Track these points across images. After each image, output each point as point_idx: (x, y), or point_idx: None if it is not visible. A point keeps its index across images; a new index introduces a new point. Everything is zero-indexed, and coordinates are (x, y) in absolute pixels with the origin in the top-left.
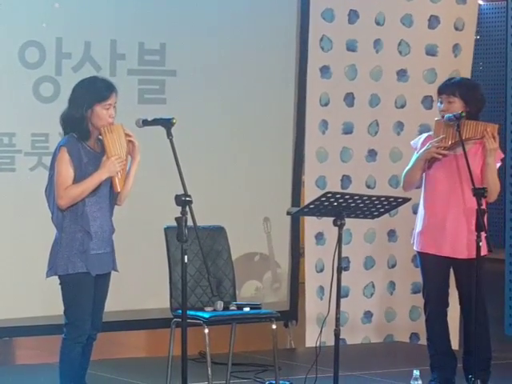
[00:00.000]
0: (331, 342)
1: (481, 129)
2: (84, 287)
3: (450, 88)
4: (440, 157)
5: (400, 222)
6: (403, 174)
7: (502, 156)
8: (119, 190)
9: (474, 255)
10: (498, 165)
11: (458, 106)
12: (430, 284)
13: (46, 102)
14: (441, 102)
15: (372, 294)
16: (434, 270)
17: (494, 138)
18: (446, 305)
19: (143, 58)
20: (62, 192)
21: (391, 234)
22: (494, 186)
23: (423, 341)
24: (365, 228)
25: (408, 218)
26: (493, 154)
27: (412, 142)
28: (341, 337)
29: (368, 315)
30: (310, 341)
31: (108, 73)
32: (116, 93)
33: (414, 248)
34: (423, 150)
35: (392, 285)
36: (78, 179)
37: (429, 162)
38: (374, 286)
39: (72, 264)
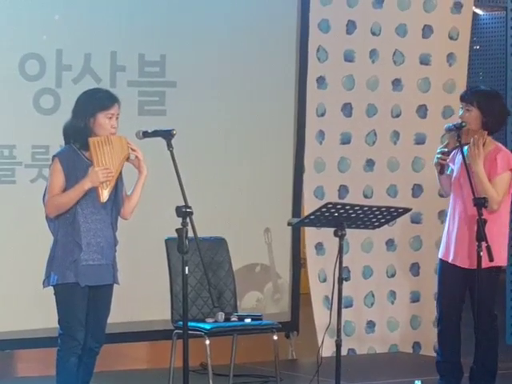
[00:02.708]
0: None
1: (470, 135)
2: (75, 297)
3: (470, 96)
4: (444, 162)
5: (398, 232)
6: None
7: None
8: (102, 200)
9: (486, 265)
10: (507, 175)
11: (474, 115)
12: (443, 290)
13: (47, 114)
14: (461, 109)
15: (372, 304)
16: (447, 277)
17: (475, 144)
18: (459, 315)
19: (143, 69)
20: (48, 201)
21: (390, 244)
22: (484, 195)
23: (425, 350)
24: (362, 238)
25: (406, 227)
26: (474, 160)
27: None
28: (350, 347)
29: (371, 325)
30: (325, 351)
31: (108, 84)
32: (119, 104)
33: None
34: (435, 157)
35: (392, 294)
36: (68, 188)
37: (440, 168)
38: (373, 296)
39: (62, 274)
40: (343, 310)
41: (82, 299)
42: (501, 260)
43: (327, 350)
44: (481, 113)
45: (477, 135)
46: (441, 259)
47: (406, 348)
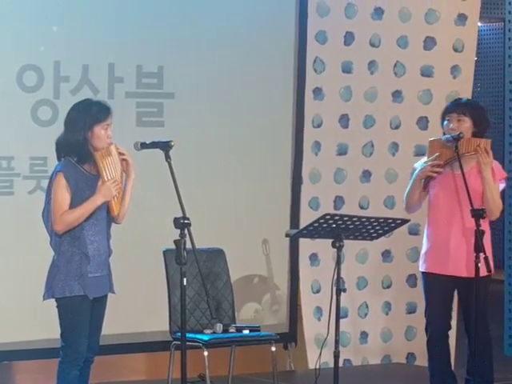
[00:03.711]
0: (333, 364)
1: (474, 144)
2: (81, 310)
3: (461, 107)
4: (435, 175)
5: (395, 243)
6: (404, 196)
7: (505, 175)
8: (116, 213)
9: (478, 275)
10: (503, 186)
11: (467, 125)
12: (432, 304)
13: (45, 125)
14: (448, 121)
15: (366, 314)
16: (437, 290)
17: (487, 152)
18: (449, 326)
19: (141, 80)
20: (58, 218)
21: (386, 255)
22: (492, 202)
23: (419, 361)
24: (357, 248)
25: (403, 238)
26: (487, 167)
27: (415, 164)
28: (346, 357)
29: (364, 335)
30: (311, 362)
31: (106, 96)
32: (112, 113)
33: (420, 269)
34: (418, 169)
35: (387, 305)
36: (74, 204)
37: (425, 181)
38: (367, 306)
39: (69, 287)
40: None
41: (88, 311)
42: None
43: (313, 361)
44: (473, 123)
45: (482, 143)
46: (428, 272)
47: (399, 359)
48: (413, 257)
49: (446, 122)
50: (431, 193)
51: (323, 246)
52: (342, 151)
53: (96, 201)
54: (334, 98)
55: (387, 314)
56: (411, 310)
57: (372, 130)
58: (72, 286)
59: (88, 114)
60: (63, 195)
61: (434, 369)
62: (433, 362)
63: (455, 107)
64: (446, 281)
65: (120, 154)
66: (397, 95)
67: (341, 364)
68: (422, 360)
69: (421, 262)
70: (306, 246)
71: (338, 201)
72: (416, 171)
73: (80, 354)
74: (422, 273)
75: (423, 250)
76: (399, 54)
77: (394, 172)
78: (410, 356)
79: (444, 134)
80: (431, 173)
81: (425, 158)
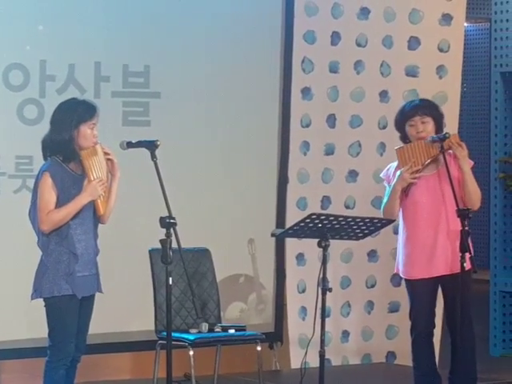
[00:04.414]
0: (315, 363)
1: (446, 142)
2: (69, 310)
3: (422, 109)
4: (416, 181)
5: (381, 243)
6: (382, 207)
7: (472, 163)
8: (102, 212)
9: (458, 271)
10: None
11: (431, 125)
12: (417, 307)
13: (30, 124)
14: (411, 126)
15: (348, 314)
16: (422, 293)
17: (460, 145)
18: (433, 326)
19: (127, 80)
20: (45, 217)
21: (372, 255)
22: (474, 193)
23: (399, 359)
24: (341, 248)
25: (389, 238)
26: (465, 160)
27: (381, 175)
28: (326, 357)
29: (345, 334)
30: (295, 362)
31: (92, 95)
32: (98, 112)
33: (401, 275)
34: (395, 180)
35: (370, 304)
36: (61, 203)
37: (406, 189)
38: (349, 306)
39: (58, 286)
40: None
41: (75, 311)
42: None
43: (296, 361)
44: (434, 121)
45: (452, 138)
46: (411, 279)
47: (379, 357)
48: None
49: (408, 128)
50: (406, 199)
51: (310, 246)
52: (330, 151)
53: (82, 200)
54: (322, 97)
55: (369, 313)
56: (394, 309)
57: (359, 130)
58: (60, 285)
59: (74, 113)
60: (49, 194)
61: (419, 369)
62: (418, 363)
63: (415, 110)
64: (430, 282)
65: (105, 153)
66: (383, 95)
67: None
68: (402, 359)
69: (401, 267)
70: (293, 245)
71: (325, 201)
72: (393, 182)
73: (67, 353)
74: (405, 279)
75: (401, 257)
76: (385, 54)
77: (381, 172)
78: (390, 355)
79: (405, 140)
80: (412, 180)
81: (392, 167)
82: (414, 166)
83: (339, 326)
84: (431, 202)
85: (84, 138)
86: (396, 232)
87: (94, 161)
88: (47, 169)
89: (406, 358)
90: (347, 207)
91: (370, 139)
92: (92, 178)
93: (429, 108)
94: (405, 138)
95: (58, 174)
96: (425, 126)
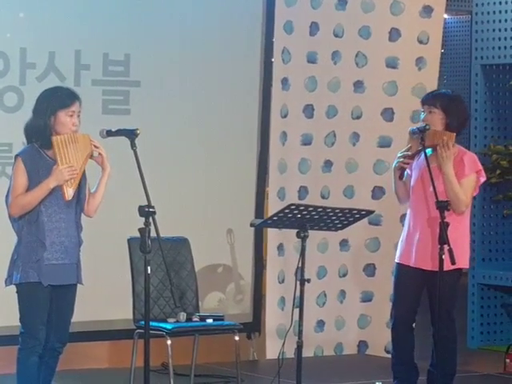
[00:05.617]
0: (291, 354)
1: (439, 137)
2: (37, 297)
3: (432, 99)
4: (406, 166)
5: (352, 232)
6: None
7: (479, 168)
8: (67, 198)
9: (448, 267)
10: (483, 179)
11: (438, 116)
12: (399, 293)
13: (10, 111)
14: (422, 113)
15: (324, 303)
16: (404, 279)
17: (446, 146)
18: (413, 317)
19: (107, 68)
20: (13, 201)
21: (343, 244)
22: (454, 197)
23: (373, 350)
24: (318, 238)
25: (360, 228)
26: (446, 162)
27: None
28: None
29: (320, 324)
30: (271, 352)
31: (72, 83)
32: (80, 101)
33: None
34: (395, 161)
35: (342, 293)
36: (30, 188)
37: (401, 173)
38: (325, 296)
39: (25, 273)
40: (296, 310)
41: (45, 298)
42: (463, 263)
43: (272, 351)
44: (444, 114)
45: (445, 137)
46: (398, 263)
47: (351, 346)
48: (371, 247)
49: (421, 114)
50: (411, 184)
51: (288, 236)
52: (307, 141)
53: (48, 184)
54: (300, 88)
55: (342, 302)
56: (366, 298)
57: (334, 120)
58: (28, 272)
59: (53, 100)
60: (20, 179)
61: (397, 357)
62: (396, 351)
63: (426, 99)
64: (413, 273)
65: (94, 147)
66: (358, 85)
67: (292, 354)
68: (377, 349)
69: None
70: (274, 236)
71: (303, 191)
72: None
73: (38, 340)
74: (395, 263)
75: (399, 240)
76: (361, 45)
77: (354, 162)
78: (362, 344)
79: None
80: (403, 164)
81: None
82: (410, 151)
83: (314, 316)
84: (422, 194)
85: (62, 125)
86: (371, 223)
87: (68, 147)
88: (20, 153)
89: (378, 348)
90: (323, 197)
91: (343, 129)
92: (60, 163)
93: (441, 100)
94: None
95: (31, 159)
96: (430, 116)
